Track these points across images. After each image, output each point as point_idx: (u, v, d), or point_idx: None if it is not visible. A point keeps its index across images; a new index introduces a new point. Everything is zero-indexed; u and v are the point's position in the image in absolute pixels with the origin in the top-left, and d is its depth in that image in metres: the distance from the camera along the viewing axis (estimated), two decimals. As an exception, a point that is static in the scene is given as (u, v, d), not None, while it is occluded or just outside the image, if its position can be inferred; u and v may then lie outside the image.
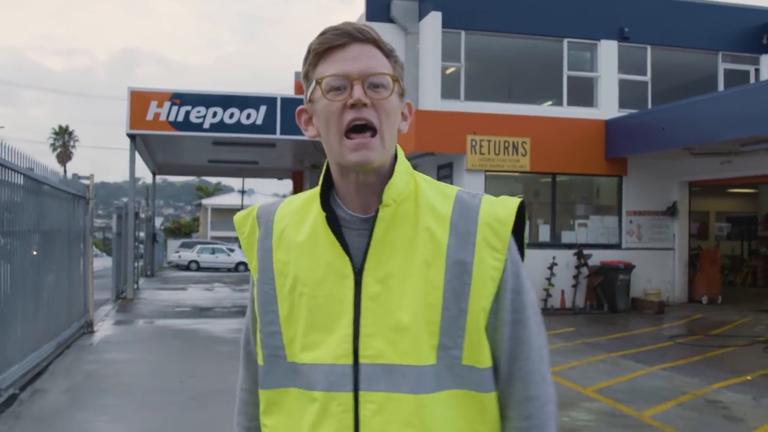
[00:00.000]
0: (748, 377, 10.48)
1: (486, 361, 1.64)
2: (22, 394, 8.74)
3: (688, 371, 10.78)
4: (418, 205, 1.68)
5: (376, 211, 1.65)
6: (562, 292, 18.22)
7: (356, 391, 1.60)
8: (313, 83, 1.67)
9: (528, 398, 1.66)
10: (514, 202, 1.70)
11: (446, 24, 20.98)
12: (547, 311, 17.69)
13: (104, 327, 14.91)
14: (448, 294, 1.61)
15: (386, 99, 1.65)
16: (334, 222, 1.67)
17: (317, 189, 1.73)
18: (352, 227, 1.68)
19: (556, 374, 10.32)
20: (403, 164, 1.72)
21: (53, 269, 11.16)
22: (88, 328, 14.04)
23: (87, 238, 14.23)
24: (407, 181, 1.70)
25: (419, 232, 1.65)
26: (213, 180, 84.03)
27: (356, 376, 1.60)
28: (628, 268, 18.26)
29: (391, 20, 21.84)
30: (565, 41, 22.14)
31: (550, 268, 18.02)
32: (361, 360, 1.60)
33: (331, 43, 1.65)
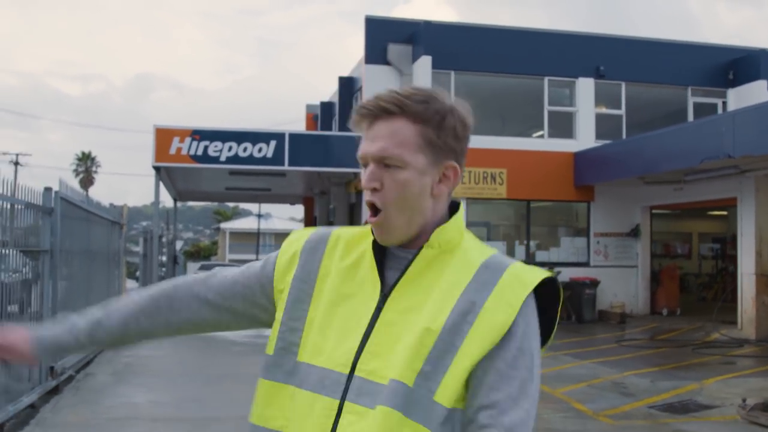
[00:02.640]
0: (657, 369, 12.92)
1: (453, 403, 1.64)
2: (78, 375, 11.36)
3: (613, 364, 13.20)
4: (457, 257, 1.75)
5: (419, 249, 1.75)
6: (535, 304, 20.65)
7: (343, 400, 1.67)
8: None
9: (497, 402, 1.61)
10: (543, 273, 1.72)
11: (436, 65, 23.58)
12: (521, 321, 20.17)
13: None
14: (448, 326, 1.64)
15: (396, 178, 1.72)
16: (378, 250, 1.78)
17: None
18: (392, 258, 1.78)
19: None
20: (458, 219, 1.80)
21: (98, 281, 13.74)
22: (122, 333, 16.62)
23: (121, 258, 16.84)
24: (456, 235, 1.78)
25: (444, 273, 1.73)
26: (231, 204, 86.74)
27: (347, 386, 1.68)
28: (594, 283, 20.69)
29: (387, 63, 24.42)
30: (546, 79, 24.66)
31: (524, 283, 20.44)
32: (357, 373, 1.68)
33: (358, 123, 1.78)
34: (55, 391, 9.97)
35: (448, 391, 1.63)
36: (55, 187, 10.16)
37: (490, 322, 1.65)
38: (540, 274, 1.72)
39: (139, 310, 2.01)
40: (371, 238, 1.80)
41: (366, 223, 1.80)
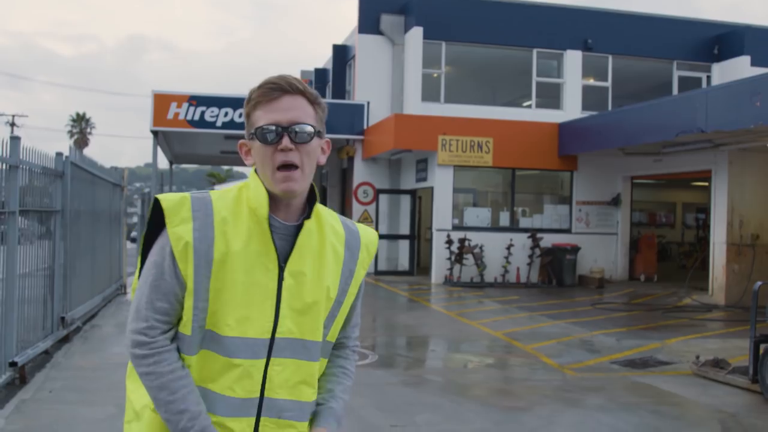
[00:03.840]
0: (625, 329, 13.80)
1: (335, 337, 2.36)
2: (85, 326, 12.23)
3: (585, 325, 14.07)
4: (323, 224, 2.23)
5: (300, 221, 2.16)
6: (518, 269, 21.53)
7: (269, 357, 2.12)
8: (253, 128, 2.13)
9: (355, 325, 2.45)
10: (373, 231, 2.41)
11: (428, 36, 24.29)
12: (504, 284, 21.10)
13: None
14: (340, 291, 2.25)
15: (308, 143, 2.11)
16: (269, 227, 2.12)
17: (246, 193, 2.17)
18: (278, 232, 2.14)
19: (483, 325, 13.71)
20: (315, 192, 2.22)
21: (101, 241, 14.53)
22: (122, 289, 17.45)
23: (122, 219, 17.62)
24: (321, 208, 2.25)
25: (326, 245, 2.21)
26: (225, 167, 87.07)
27: (270, 347, 2.12)
28: (575, 249, 21.56)
29: (380, 32, 25.08)
30: (535, 51, 25.42)
31: (508, 248, 21.29)
32: (277, 335, 2.12)
33: (267, 95, 2.11)
34: (65, 339, 10.83)
35: (334, 332, 2.32)
36: (66, 152, 10.92)
37: (357, 281, 2.34)
38: (376, 236, 2.41)
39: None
40: (261, 212, 2.11)
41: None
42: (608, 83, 26.17)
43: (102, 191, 14.54)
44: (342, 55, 28.99)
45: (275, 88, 2.12)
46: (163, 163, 43.40)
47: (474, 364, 10.54)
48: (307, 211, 2.20)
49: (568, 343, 12.23)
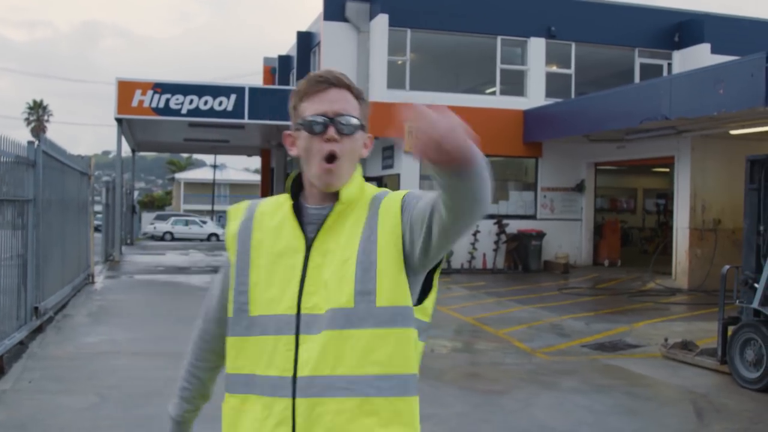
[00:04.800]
0: (593, 314, 14.04)
1: (396, 302, 2.07)
2: (57, 316, 12.18)
3: (554, 309, 14.29)
4: (359, 206, 2.18)
5: (332, 207, 2.15)
6: (484, 255, 21.73)
7: (297, 334, 2.10)
8: (300, 119, 2.16)
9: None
10: (398, 197, 2.17)
11: (393, 23, 24.27)
12: (470, 270, 21.30)
13: (101, 280, 18.21)
14: (360, 251, 2.09)
15: (352, 135, 2.15)
16: (298, 211, 2.18)
17: (287, 192, 2.23)
18: (309, 216, 2.18)
19: (453, 310, 13.87)
20: (358, 178, 2.20)
21: (70, 230, 14.45)
22: (90, 279, 17.36)
23: (89, 208, 17.51)
24: (358, 191, 2.18)
25: (356, 221, 2.15)
26: (185, 155, 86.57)
27: (298, 323, 2.10)
28: (540, 235, 21.81)
29: (345, 20, 25.05)
30: (499, 38, 25.49)
31: (474, 235, 21.47)
32: (302, 311, 2.10)
33: (314, 87, 2.17)
34: (39, 329, 10.79)
35: (386, 295, 2.06)
36: (36, 141, 10.86)
37: (386, 226, 2.10)
38: (394, 195, 2.18)
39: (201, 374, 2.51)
40: (288, 203, 2.19)
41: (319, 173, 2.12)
42: (571, 70, 26.35)
43: (71, 180, 14.45)
44: (306, 42, 28.93)
45: (322, 81, 2.18)
46: (124, 150, 43.03)
47: (447, 349, 10.67)
48: (336, 196, 2.18)
49: (538, 327, 12.42)
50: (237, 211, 2.31)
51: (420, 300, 2.16)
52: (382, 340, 2.06)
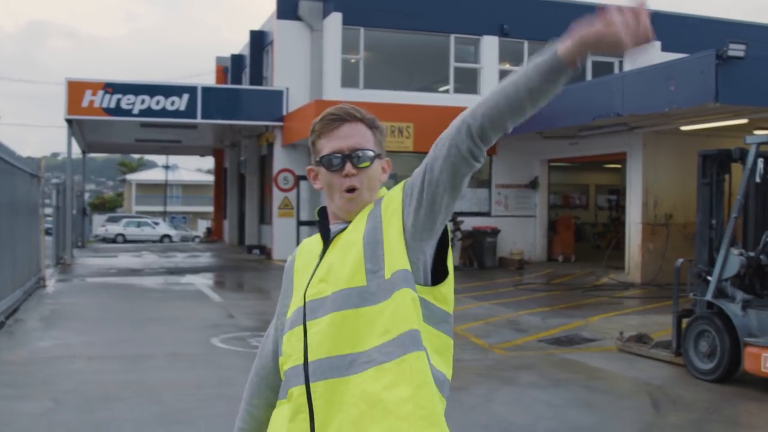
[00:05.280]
0: (548, 309, 14.14)
1: (400, 264, 2.13)
2: (8, 320, 11.96)
3: (510, 305, 14.37)
4: (371, 205, 2.29)
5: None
6: (440, 252, 21.77)
7: (304, 322, 2.21)
8: (318, 157, 2.32)
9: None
10: (397, 190, 2.26)
11: (347, 22, 24.26)
12: (426, 268, 21.32)
13: (53, 283, 17.93)
14: (366, 233, 2.20)
15: (368, 167, 2.28)
16: (325, 230, 2.33)
17: (317, 219, 2.40)
18: (333, 234, 2.31)
19: (409, 308, 13.85)
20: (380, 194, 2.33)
21: (20, 233, 14.21)
22: (42, 282, 17.08)
23: (39, 210, 17.23)
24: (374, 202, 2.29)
25: (363, 215, 2.27)
26: (136, 156, 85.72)
27: (304, 312, 2.22)
28: (495, 232, 21.94)
29: (299, 18, 24.97)
30: (452, 36, 25.62)
31: (430, 232, 21.50)
32: (307, 299, 2.23)
33: (328, 126, 2.31)
34: (-10, 334, 10.61)
35: (393, 263, 2.12)
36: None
37: (390, 211, 2.20)
38: (394, 190, 2.29)
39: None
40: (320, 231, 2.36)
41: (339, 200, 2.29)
42: (524, 68, 26.52)
43: (20, 182, 14.21)
44: (259, 41, 28.77)
45: (335, 119, 2.31)
46: (74, 152, 42.47)
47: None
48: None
49: (495, 323, 12.49)
50: (299, 248, 2.48)
51: (434, 281, 2.23)
52: (386, 308, 2.11)
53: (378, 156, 2.33)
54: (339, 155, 2.28)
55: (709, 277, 8.83)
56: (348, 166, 2.27)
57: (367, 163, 2.29)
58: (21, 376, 8.53)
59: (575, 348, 10.56)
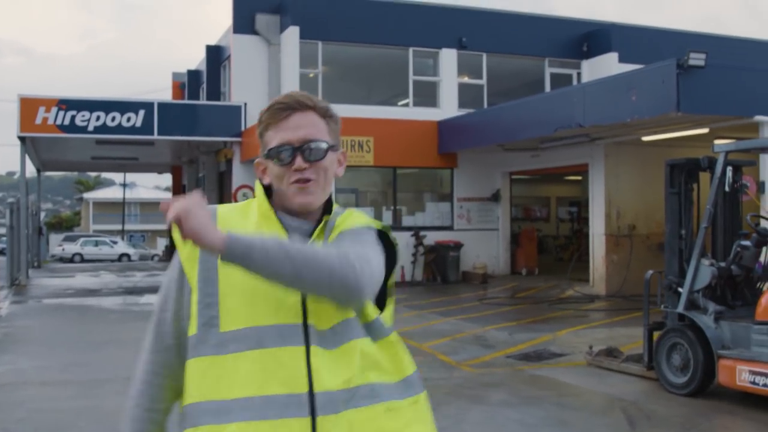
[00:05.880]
0: (515, 323, 13.95)
1: (372, 314, 2.10)
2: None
3: (475, 320, 14.14)
4: (338, 227, 2.10)
5: (316, 220, 2.10)
6: (402, 267, 21.56)
7: (308, 345, 1.94)
8: (266, 149, 2.08)
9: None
10: (349, 216, 2.17)
11: (304, 35, 23.99)
12: (389, 284, 21.06)
13: (6, 305, 17.43)
14: None
15: (322, 160, 2.07)
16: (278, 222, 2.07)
17: (253, 201, 2.15)
18: (292, 229, 2.06)
19: (374, 324, 13.60)
20: (332, 203, 2.15)
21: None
22: (-6, 305, 16.61)
23: (-9, 230, 16.74)
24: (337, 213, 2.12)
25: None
26: (93, 174, 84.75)
27: (306, 334, 1.95)
28: (458, 246, 21.75)
29: (255, 32, 24.68)
30: (411, 49, 25.45)
31: (392, 247, 21.26)
32: (309, 321, 1.96)
33: (276, 116, 2.07)
34: (-63, 361, 10.17)
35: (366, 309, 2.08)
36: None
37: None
38: (346, 215, 2.16)
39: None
40: (266, 210, 2.08)
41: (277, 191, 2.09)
42: (483, 81, 26.45)
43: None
44: (216, 55, 28.43)
45: (284, 108, 2.09)
46: (29, 171, 41.76)
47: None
48: (321, 214, 2.15)
49: (461, 339, 12.26)
50: None
51: (381, 307, 2.13)
52: (381, 347, 2.08)
53: (332, 148, 2.12)
54: (289, 147, 2.05)
55: (680, 289, 8.68)
56: (299, 160, 2.05)
57: (320, 157, 2.07)
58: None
59: (544, 363, 10.36)
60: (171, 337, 2.09)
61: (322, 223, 2.09)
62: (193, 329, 2.00)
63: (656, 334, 8.98)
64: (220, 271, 1.98)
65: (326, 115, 2.13)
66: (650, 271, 9.43)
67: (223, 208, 2.11)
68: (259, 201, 2.13)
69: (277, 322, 1.95)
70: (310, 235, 2.07)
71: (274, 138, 2.07)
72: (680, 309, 8.55)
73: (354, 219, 2.16)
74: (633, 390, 8.72)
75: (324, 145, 2.08)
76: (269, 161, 2.09)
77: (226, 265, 1.90)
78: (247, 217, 2.10)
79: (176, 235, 1.88)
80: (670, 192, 9.14)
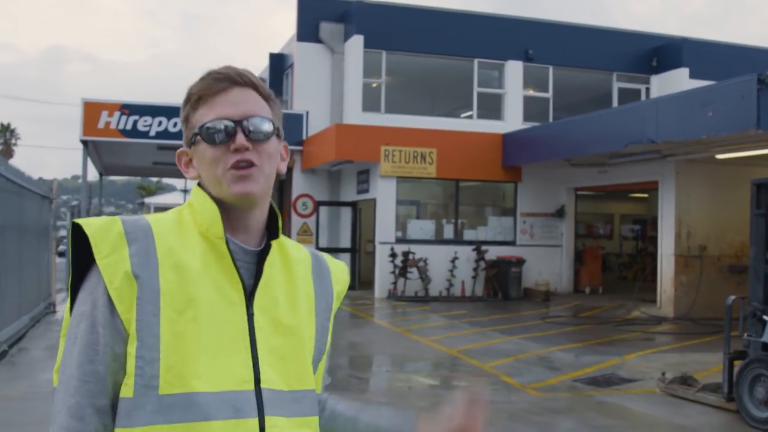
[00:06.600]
0: (580, 344, 13.41)
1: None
2: (12, 349, 11.34)
3: (539, 340, 13.64)
4: (287, 252, 1.77)
5: (264, 246, 1.69)
6: (463, 282, 21.08)
7: (262, 416, 1.57)
8: (196, 129, 1.67)
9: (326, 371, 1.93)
10: (347, 272, 1.94)
11: (368, 45, 23.78)
12: (448, 298, 20.63)
13: (64, 308, 17.33)
14: (318, 331, 1.76)
15: (266, 142, 1.66)
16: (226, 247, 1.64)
17: (191, 215, 1.68)
18: (238, 258, 1.65)
19: (434, 341, 13.19)
20: (277, 213, 1.75)
21: (28, 256, 13.65)
22: (52, 308, 16.51)
23: (50, 233, 16.69)
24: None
25: (295, 277, 1.74)
26: (154, 179, 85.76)
27: (259, 401, 1.58)
28: (520, 262, 21.20)
29: (319, 41, 24.53)
30: (476, 61, 25.06)
31: (453, 261, 20.84)
32: (263, 385, 1.59)
33: (212, 87, 1.67)
34: (-10, 365, 10.00)
35: (317, 381, 1.83)
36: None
37: (338, 296, 1.88)
38: (347, 276, 1.93)
39: None
40: (198, 233, 1.65)
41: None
42: (549, 94, 25.98)
43: (29, 203, 13.68)
44: (279, 63, 28.32)
45: (222, 79, 1.68)
46: (92, 174, 42.19)
47: (431, 384, 9.99)
48: (268, 234, 1.75)
49: (525, 360, 11.77)
50: (109, 232, 1.56)
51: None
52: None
53: (277, 134, 1.72)
54: (228, 122, 1.64)
55: (765, 317, 8.12)
56: (240, 137, 1.63)
57: (265, 137, 1.67)
58: (16, 413, 7.89)
59: (614, 389, 9.83)
60: (105, 397, 1.52)
61: (273, 245, 1.71)
62: (128, 391, 1.51)
63: (737, 363, 8.43)
64: (162, 317, 1.53)
65: (269, 98, 1.74)
66: (732, 297, 8.85)
67: (157, 227, 1.62)
68: (199, 217, 1.67)
69: (223, 389, 1.55)
70: (257, 262, 1.68)
71: (209, 114, 1.66)
72: (765, 338, 7.99)
73: (342, 267, 1.93)
74: (711, 422, 8.18)
75: (269, 125, 1.68)
76: (198, 146, 1.68)
77: (168, 303, 1.53)
78: (186, 240, 1.63)
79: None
80: (756, 213, 8.58)
